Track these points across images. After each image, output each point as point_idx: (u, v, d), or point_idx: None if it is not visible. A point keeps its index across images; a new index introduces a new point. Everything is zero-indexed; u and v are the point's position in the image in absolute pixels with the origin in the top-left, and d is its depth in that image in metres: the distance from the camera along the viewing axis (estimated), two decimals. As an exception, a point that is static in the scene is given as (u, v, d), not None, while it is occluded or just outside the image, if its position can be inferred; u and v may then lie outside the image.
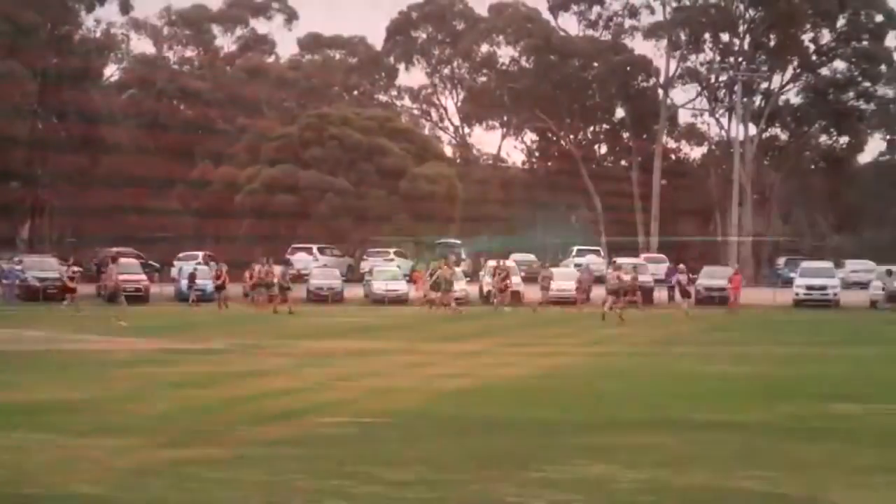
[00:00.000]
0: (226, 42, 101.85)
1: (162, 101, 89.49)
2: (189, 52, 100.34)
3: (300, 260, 68.68)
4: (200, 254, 68.57)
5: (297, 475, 11.75)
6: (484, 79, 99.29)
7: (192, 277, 57.14)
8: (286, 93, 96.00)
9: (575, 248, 79.64)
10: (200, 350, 28.59)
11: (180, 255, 69.66)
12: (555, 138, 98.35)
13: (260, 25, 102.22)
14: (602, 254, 79.89)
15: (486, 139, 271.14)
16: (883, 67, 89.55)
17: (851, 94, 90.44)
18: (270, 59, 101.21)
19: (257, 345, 30.15)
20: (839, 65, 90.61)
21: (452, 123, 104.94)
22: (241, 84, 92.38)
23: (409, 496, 10.90)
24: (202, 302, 53.99)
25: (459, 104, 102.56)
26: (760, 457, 13.17)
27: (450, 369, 23.96)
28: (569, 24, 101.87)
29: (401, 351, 28.83)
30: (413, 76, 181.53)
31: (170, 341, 30.85)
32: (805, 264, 64.67)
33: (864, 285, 62.04)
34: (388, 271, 63.05)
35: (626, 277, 49.82)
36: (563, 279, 59.22)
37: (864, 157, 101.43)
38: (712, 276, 59.68)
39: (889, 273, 55.84)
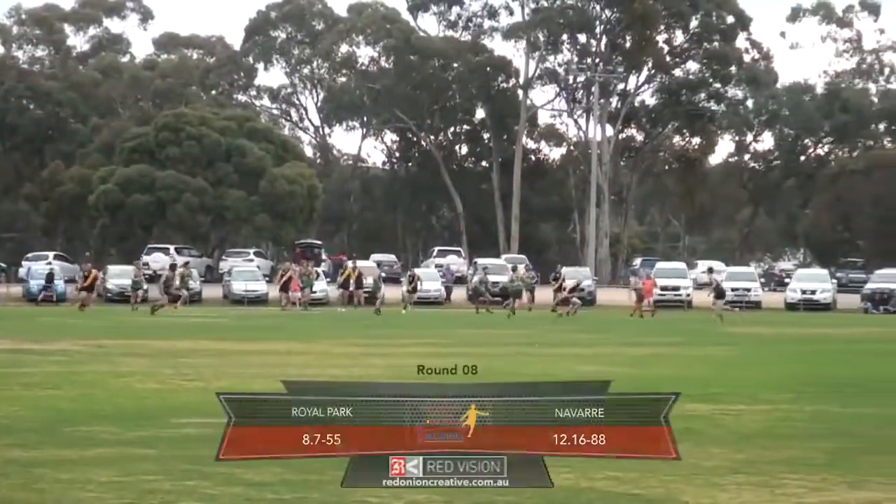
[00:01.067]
0: (78, 41, 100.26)
1: (10, 102, 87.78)
2: (40, 52, 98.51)
3: (156, 260, 67.86)
4: (51, 254, 67.63)
5: (152, 476, 11.53)
6: (344, 79, 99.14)
7: (49, 277, 56.28)
8: (141, 93, 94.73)
9: (436, 249, 79.92)
10: (52, 350, 27.98)
11: (29, 255, 68.62)
12: (415, 139, 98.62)
13: (114, 25, 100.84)
14: (463, 254, 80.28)
15: (347, 139, 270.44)
16: (733, 68, 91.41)
17: (703, 95, 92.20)
18: (125, 59, 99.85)
19: (111, 345, 29.61)
20: (692, 66, 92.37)
21: (312, 124, 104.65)
22: (95, 84, 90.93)
23: (268, 496, 10.75)
24: (58, 302, 53.07)
25: (319, 104, 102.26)
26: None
27: (310, 369, 23.79)
28: (428, 24, 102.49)
29: (260, 351, 28.56)
30: (272, 76, 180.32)
31: (19, 342, 30.13)
32: (659, 265, 65.76)
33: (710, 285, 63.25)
34: (247, 272, 62.57)
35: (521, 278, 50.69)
36: (430, 280, 59.39)
37: (715, 159, 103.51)
38: (573, 277, 60.09)
39: (710, 270, 56.91)
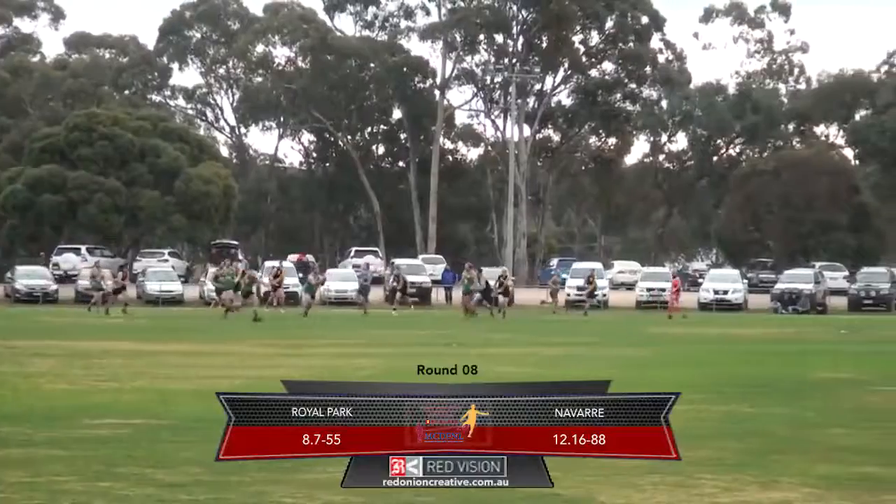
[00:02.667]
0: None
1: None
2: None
3: (67, 260, 67.15)
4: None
5: (63, 477, 11.38)
6: (260, 79, 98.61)
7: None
8: (52, 92, 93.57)
9: (353, 249, 79.77)
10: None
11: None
12: (332, 139, 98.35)
13: (24, 25, 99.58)
14: (380, 255, 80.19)
15: (263, 139, 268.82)
16: (648, 69, 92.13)
17: (619, 95, 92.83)
18: (35, 59, 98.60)
19: (22, 345, 29.21)
20: (607, 66, 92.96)
21: (228, 123, 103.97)
22: (3, 84, 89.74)
23: (182, 497, 10.66)
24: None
25: (235, 104, 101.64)
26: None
27: (225, 370, 23.65)
28: (345, 24, 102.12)
29: (174, 352, 28.33)
30: (187, 76, 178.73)
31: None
32: (576, 265, 66.08)
33: (630, 286, 63.72)
34: (161, 272, 62.05)
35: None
36: (343, 280, 59.22)
37: (631, 159, 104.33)
38: (490, 278, 60.17)
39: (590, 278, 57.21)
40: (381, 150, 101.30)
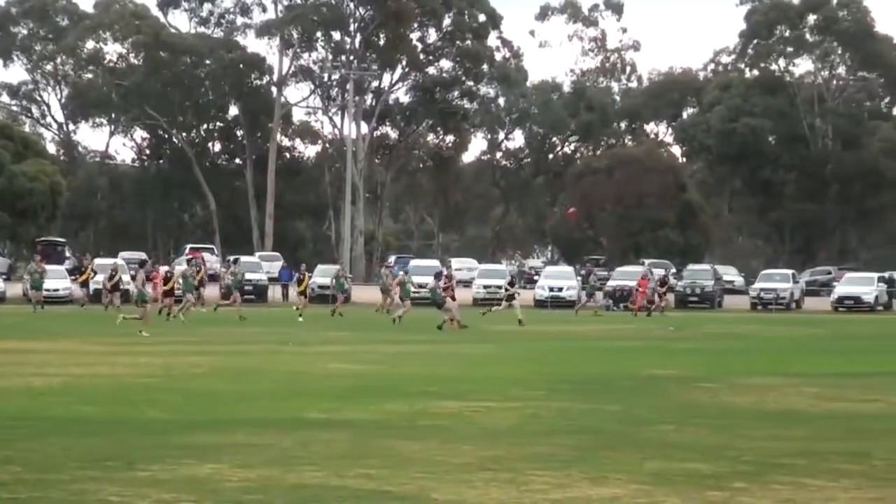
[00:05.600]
0: None
1: None
2: None
3: None
4: None
5: None
6: (90, 75, 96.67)
7: None
8: None
9: (188, 246, 78.72)
10: None
11: None
12: (167, 136, 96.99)
13: None
14: (216, 252, 79.37)
15: (94, 136, 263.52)
16: (485, 67, 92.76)
17: (456, 93, 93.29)
18: None
19: None
20: (445, 64, 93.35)
21: (56, 120, 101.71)
22: None
23: (4, 496, 10.45)
24: None
25: (63, 101, 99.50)
26: (367, 455, 13.35)
27: (50, 367, 23.20)
28: (180, 21, 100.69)
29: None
30: (12, 72, 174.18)
31: None
32: (413, 263, 66.21)
33: (467, 283, 64.06)
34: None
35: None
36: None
37: (468, 157, 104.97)
38: (324, 275, 60.03)
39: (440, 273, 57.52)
40: (217, 146, 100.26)
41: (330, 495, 11.14)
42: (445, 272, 45.59)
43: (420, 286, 52.93)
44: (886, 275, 62.66)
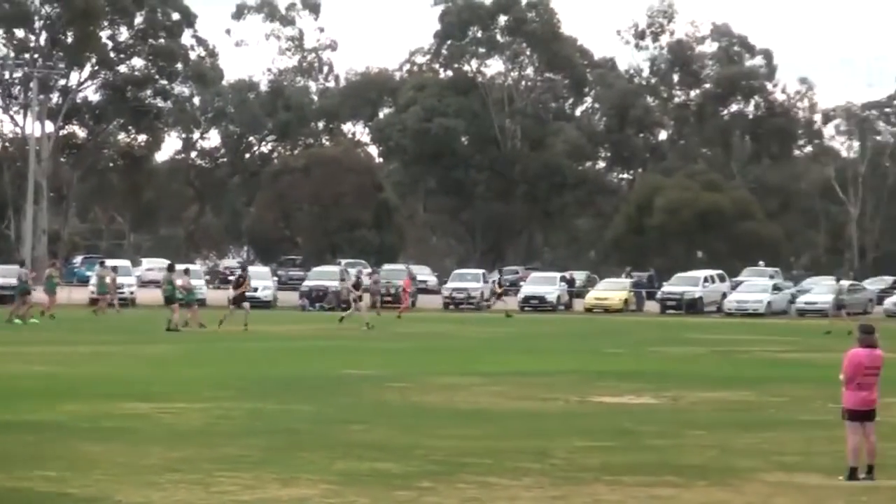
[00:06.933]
0: None
1: None
2: None
3: None
4: None
5: None
6: None
7: None
8: None
9: None
10: None
11: None
12: None
13: None
14: None
15: None
16: (179, 65, 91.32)
17: (150, 91, 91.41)
18: None
19: None
20: (138, 62, 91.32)
21: None
22: None
23: None
24: None
25: None
26: (48, 457, 12.97)
27: None
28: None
29: None
30: None
31: None
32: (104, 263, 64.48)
33: (158, 283, 62.78)
34: None
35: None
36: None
37: (162, 156, 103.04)
38: (6, 275, 57.45)
39: (186, 272, 56.68)
40: None
41: (8, 499, 10.76)
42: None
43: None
44: (567, 275, 64.82)
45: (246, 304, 39.40)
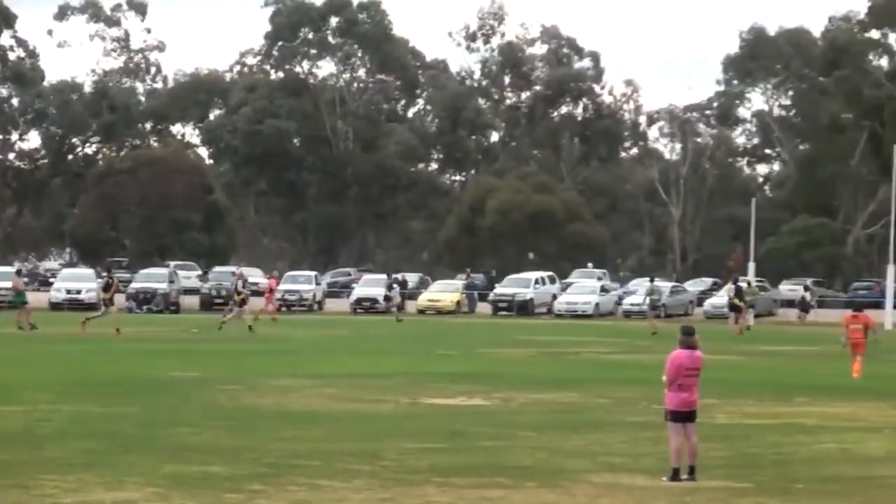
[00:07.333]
0: None
1: None
2: None
3: None
4: None
5: None
6: None
7: None
8: None
9: None
10: None
11: None
12: None
13: None
14: None
15: None
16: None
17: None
18: None
19: None
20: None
21: None
22: None
23: None
24: None
25: None
26: None
27: None
28: None
29: None
30: None
31: None
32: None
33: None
34: None
35: None
36: None
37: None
38: None
39: (18, 273, 55.07)
40: None
41: None
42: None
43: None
44: (400, 276, 64.90)
45: (113, 308, 39.02)
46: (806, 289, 58.77)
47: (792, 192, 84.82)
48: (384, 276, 62.44)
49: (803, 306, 54.13)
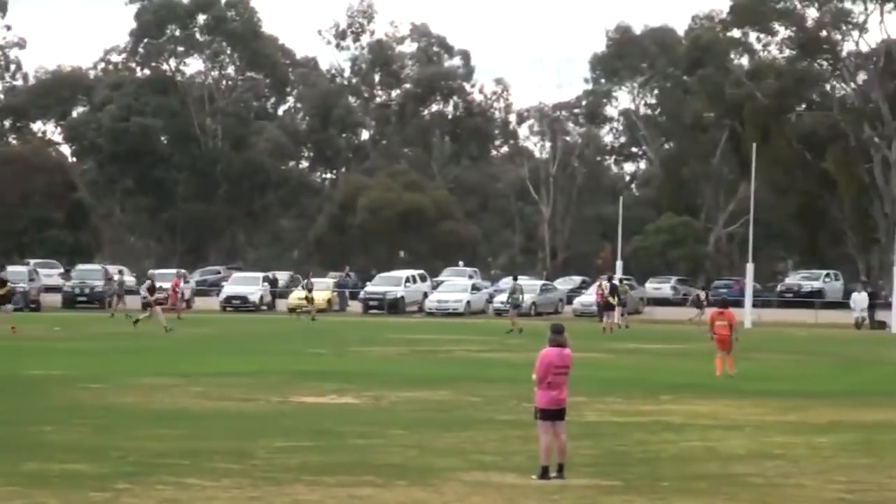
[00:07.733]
0: None
1: None
2: None
3: None
4: None
5: None
6: None
7: None
8: None
9: None
10: None
11: None
12: None
13: None
14: None
15: None
16: None
17: None
18: None
19: None
20: None
21: None
22: None
23: None
24: None
25: None
26: None
27: None
28: None
29: None
30: None
31: None
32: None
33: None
34: None
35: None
36: None
37: None
38: None
39: None
40: None
41: None
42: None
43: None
44: (270, 275, 64.42)
45: (8, 307, 38.59)
46: (703, 288, 60.11)
47: (657, 190, 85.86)
48: (257, 275, 62.03)
49: (697, 304, 54.81)
